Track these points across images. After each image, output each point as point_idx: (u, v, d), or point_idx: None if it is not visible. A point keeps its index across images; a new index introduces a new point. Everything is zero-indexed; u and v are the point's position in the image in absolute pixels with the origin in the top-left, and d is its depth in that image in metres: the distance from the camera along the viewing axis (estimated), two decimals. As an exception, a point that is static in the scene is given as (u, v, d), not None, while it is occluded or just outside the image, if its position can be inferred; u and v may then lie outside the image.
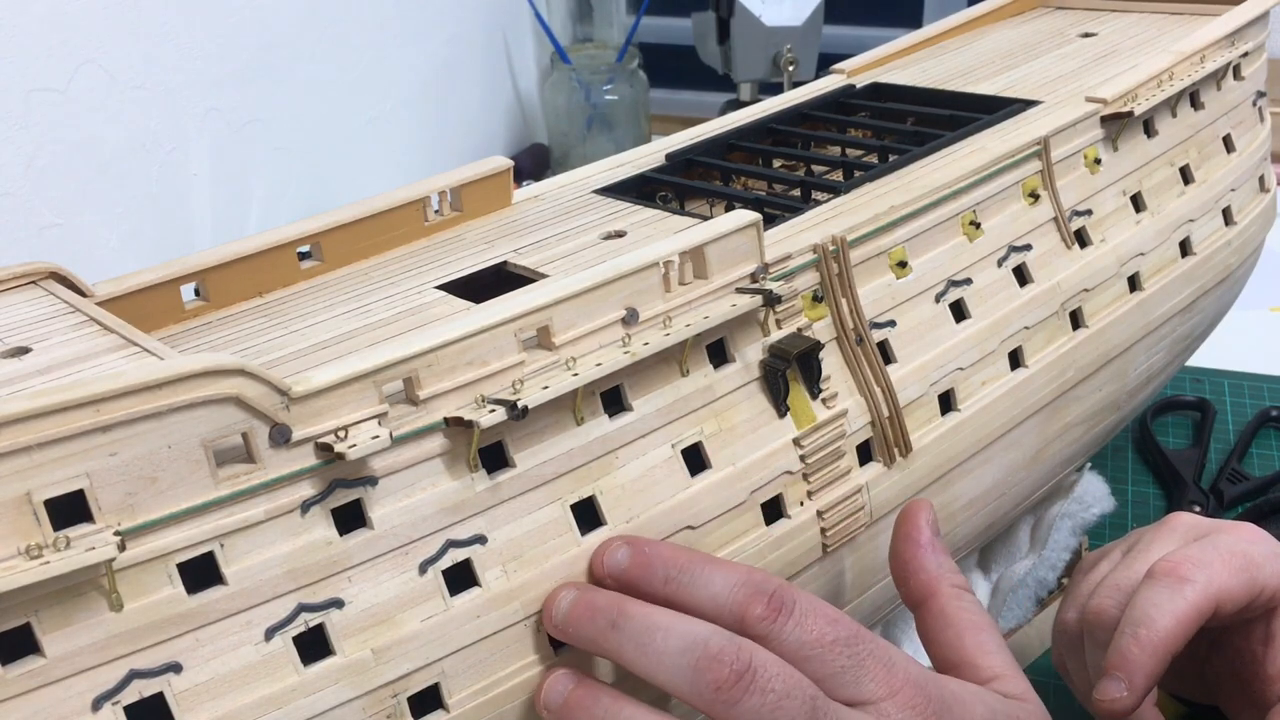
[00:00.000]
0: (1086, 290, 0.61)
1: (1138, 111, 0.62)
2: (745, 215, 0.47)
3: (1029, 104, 0.65)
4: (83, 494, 0.32)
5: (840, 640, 0.39)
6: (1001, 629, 0.63)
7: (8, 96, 0.75)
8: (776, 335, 0.48)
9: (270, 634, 0.36)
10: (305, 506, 0.37)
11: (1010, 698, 0.42)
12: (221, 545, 0.35)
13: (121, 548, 0.32)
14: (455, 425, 0.39)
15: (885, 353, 0.52)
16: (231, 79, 0.93)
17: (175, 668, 0.34)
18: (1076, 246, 0.61)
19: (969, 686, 0.42)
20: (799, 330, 0.49)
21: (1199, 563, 0.46)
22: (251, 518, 0.35)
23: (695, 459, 0.46)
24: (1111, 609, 0.48)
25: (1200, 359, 0.83)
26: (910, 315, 0.54)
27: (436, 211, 0.55)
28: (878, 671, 0.39)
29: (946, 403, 0.54)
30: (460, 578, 0.39)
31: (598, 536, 0.42)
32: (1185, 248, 0.68)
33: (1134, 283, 0.64)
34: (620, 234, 0.53)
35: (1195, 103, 0.70)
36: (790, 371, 0.48)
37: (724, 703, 0.37)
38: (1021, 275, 0.59)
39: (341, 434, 0.36)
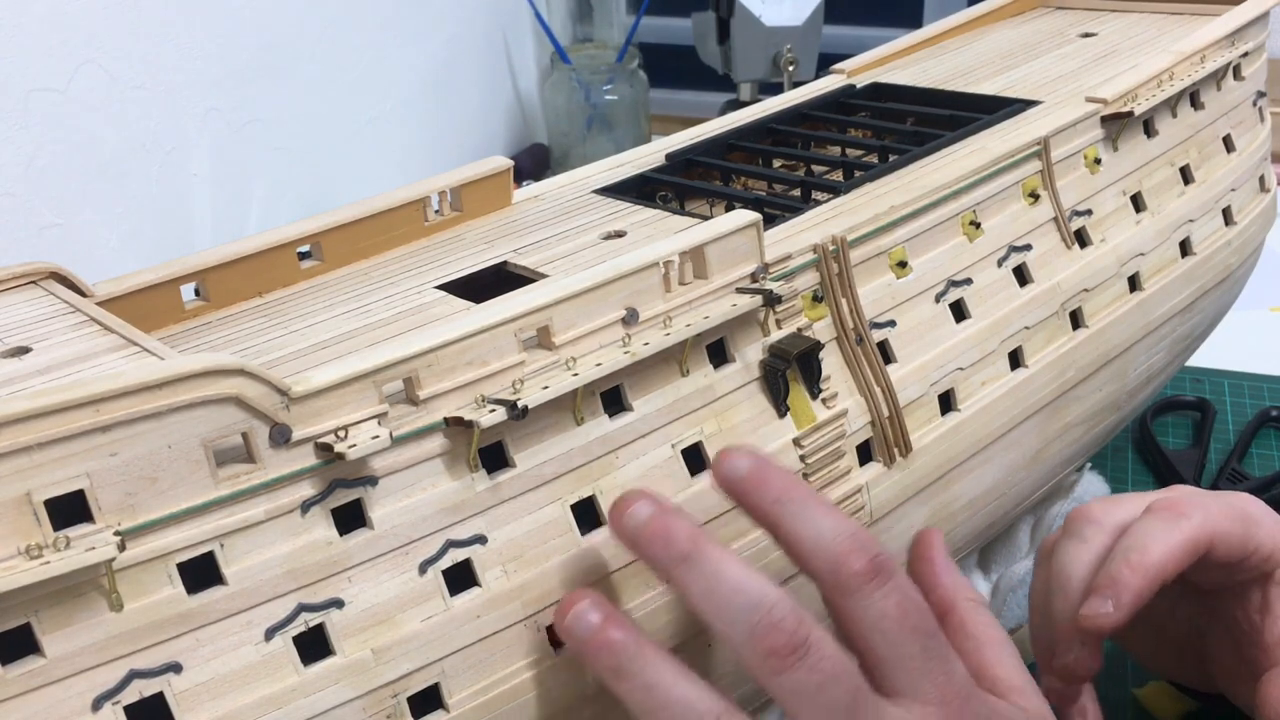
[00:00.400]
0: (1086, 290, 0.61)
1: (1138, 111, 0.62)
2: (745, 215, 0.47)
3: (1029, 104, 0.65)
4: (83, 494, 0.32)
5: (919, 630, 0.39)
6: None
7: (8, 96, 0.74)
8: (776, 335, 0.48)
9: (270, 634, 0.36)
10: (305, 506, 0.37)
11: (1030, 712, 0.43)
12: (221, 545, 0.35)
13: (121, 548, 0.32)
14: (455, 425, 0.39)
15: (885, 353, 0.52)
16: (231, 79, 0.93)
17: (175, 668, 0.34)
18: (1076, 246, 0.61)
19: (1007, 707, 0.42)
20: (799, 330, 0.49)
21: (1197, 504, 0.47)
22: (251, 518, 0.35)
23: (695, 459, 0.46)
24: (1098, 511, 0.49)
25: (1200, 359, 0.83)
26: (910, 315, 0.54)
27: (436, 211, 0.55)
28: (939, 675, 0.39)
29: (946, 403, 0.54)
30: (460, 578, 0.39)
31: (598, 536, 0.42)
32: (1185, 248, 0.68)
33: (1134, 283, 0.64)
34: (620, 234, 0.53)
35: (1195, 103, 0.70)
36: (790, 371, 0.48)
37: (771, 670, 0.37)
38: (1021, 275, 0.59)
39: (341, 434, 0.36)
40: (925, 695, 0.39)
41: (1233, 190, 0.72)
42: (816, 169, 0.64)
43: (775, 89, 1.14)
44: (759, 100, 0.80)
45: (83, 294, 0.45)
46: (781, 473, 0.41)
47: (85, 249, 0.81)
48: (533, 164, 1.32)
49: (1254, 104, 0.76)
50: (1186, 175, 0.69)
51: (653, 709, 0.37)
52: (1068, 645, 0.47)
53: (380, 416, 0.37)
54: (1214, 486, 0.78)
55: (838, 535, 0.39)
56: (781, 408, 0.48)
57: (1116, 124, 0.63)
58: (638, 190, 0.60)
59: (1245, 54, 0.72)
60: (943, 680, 0.39)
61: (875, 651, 0.39)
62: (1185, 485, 0.52)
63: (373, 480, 0.38)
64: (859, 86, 0.72)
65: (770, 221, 0.53)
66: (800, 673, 0.37)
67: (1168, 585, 0.47)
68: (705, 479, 0.45)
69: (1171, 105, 0.67)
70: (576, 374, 0.41)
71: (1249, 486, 0.78)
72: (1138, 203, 0.65)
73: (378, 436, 0.36)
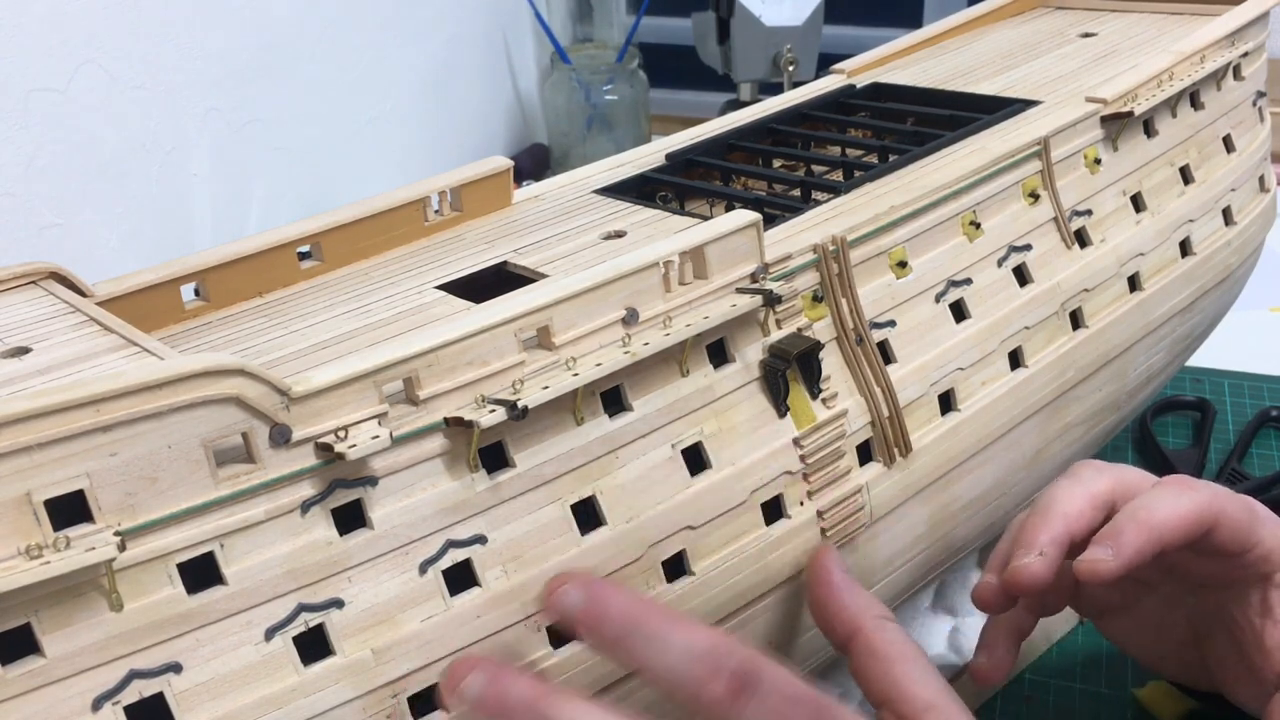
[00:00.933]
0: (1086, 290, 0.61)
1: (1138, 111, 0.62)
2: (745, 215, 0.47)
3: (1029, 104, 0.65)
4: (83, 494, 0.32)
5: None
6: (1001, 629, 0.63)
7: (8, 96, 0.75)
8: (776, 335, 0.48)
9: (270, 634, 0.36)
10: (305, 506, 0.37)
11: None
12: (221, 545, 0.35)
13: (121, 548, 0.32)
14: (455, 425, 0.39)
15: (885, 353, 0.52)
16: (231, 79, 0.93)
17: (175, 668, 0.34)
18: (1076, 246, 0.61)
19: None
20: (799, 330, 0.49)
21: (1207, 483, 0.48)
22: (252, 518, 0.35)
23: (695, 459, 0.46)
24: (1103, 463, 0.50)
25: (1200, 359, 0.83)
26: (910, 315, 0.54)
27: (436, 211, 0.55)
28: None
29: (946, 403, 0.54)
30: (460, 578, 0.39)
31: (598, 536, 0.42)
32: (1185, 248, 0.68)
33: (1134, 283, 0.64)
34: (620, 234, 0.53)
35: (1195, 103, 0.70)
36: (790, 371, 0.48)
37: None
38: (1021, 275, 0.59)
39: (341, 434, 0.36)
40: None
41: (1233, 190, 0.72)
42: (816, 169, 0.64)
43: (775, 89, 1.15)
44: (759, 100, 0.80)
45: (83, 294, 0.45)
46: (616, 599, 0.39)
47: (85, 249, 0.81)
48: (533, 164, 1.32)
49: (1254, 104, 0.76)
50: (1186, 175, 0.69)
51: None
52: (1025, 551, 0.46)
53: (380, 416, 0.37)
54: (1214, 486, 0.78)
55: (690, 661, 0.37)
56: (781, 408, 0.48)
57: (1116, 124, 0.63)
58: (638, 190, 0.60)
59: (1245, 54, 0.72)
60: None
61: None
62: (1185, 476, 0.52)
63: (373, 480, 0.38)
64: (859, 86, 0.72)
65: (770, 221, 0.53)
66: None
67: (1165, 558, 0.47)
68: (705, 479, 0.45)
69: (1171, 105, 0.67)
70: (576, 374, 0.41)
71: (1249, 486, 0.78)
72: (1138, 203, 0.65)
73: (378, 436, 0.36)
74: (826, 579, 0.46)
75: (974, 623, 0.64)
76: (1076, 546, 0.47)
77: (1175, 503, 0.46)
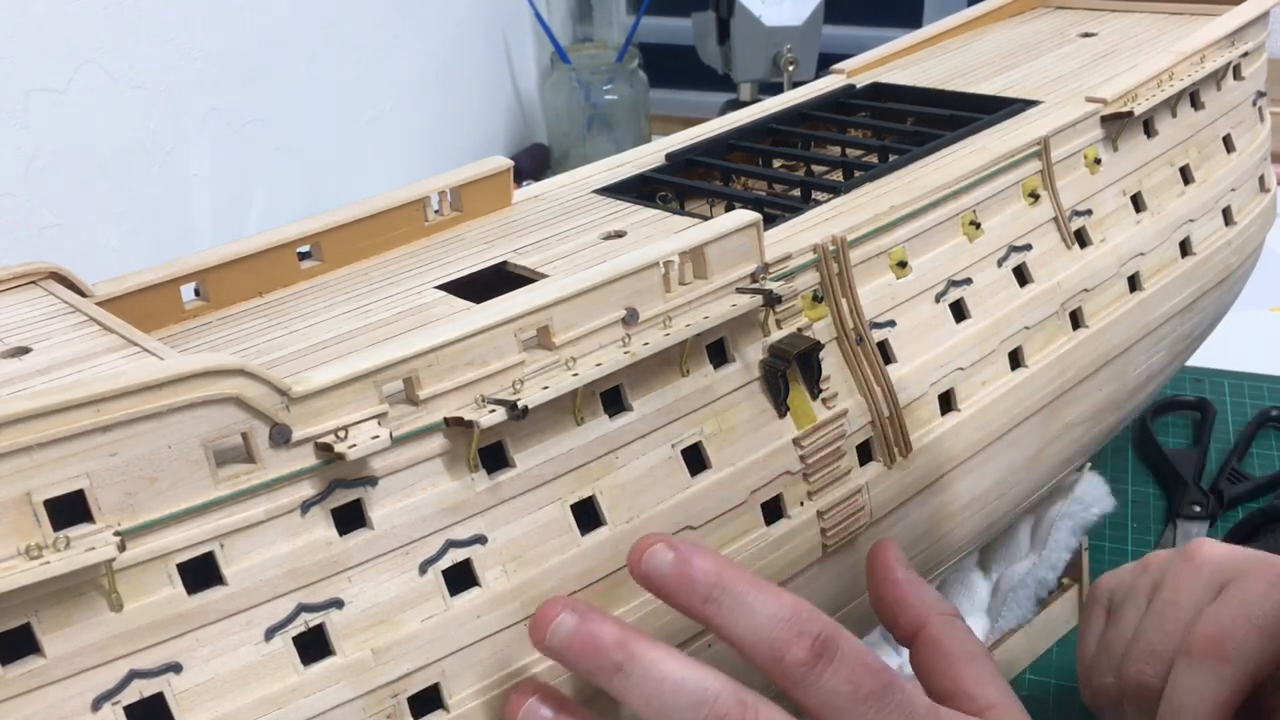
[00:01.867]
0: (1086, 290, 0.61)
1: (1138, 111, 0.62)
2: (745, 215, 0.47)
3: (1029, 104, 0.65)
4: (83, 494, 0.32)
5: (873, 694, 0.38)
6: (1001, 629, 0.63)
7: (8, 96, 0.75)
8: (776, 335, 0.48)
9: (270, 634, 0.36)
10: (305, 506, 0.37)
11: None
12: (221, 545, 0.35)
13: (121, 548, 0.32)
14: (455, 425, 0.39)
15: (885, 353, 0.52)
16: (231, 79, 0.93)
17: (175, 668, 0.34)
18: (1076, 246, 0.61)
19: None
20: (799, 330, 0.49)
21: (1236, 640, 0.44)
22: (251, 518, 0.35)
23: (695, 459, 0.46)
24: (1151, 676, 0.47)
25: (1200, 359, 0.83)
26: (910, 315, 0.54)
27: (436, 211, 0.55)
28: None
29: (946, 403, 0.54)
30: (460, 578, 0.39)
31: (598, 536, 0.42)
32: (1185, 248, 0.68)
33: (1134, 283, 0.64)
34: (620, 234, 0.53)
35: (1195, 103, 0.70)
36: (790, 371, 0.48)
37: None
38: (1021, 275, 0.59)
39: (341, 434, 0.36)
40: None
41: (1233, 190, 0.72)
42: (816, 169, 0.64)
43: (775, 89, 1.15)
44: (759, 100, 0.80)
45: (83, 294, 0.45)
46: (706, 562, 0.39)
47: (85, 249, 0.81)
48: (533, 164, 1.32)
49: (1254, 104, 0.76)
50: (1186, 175, 0.69)
51: (658, 696, 0.37)
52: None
53: (380, 416, 0.37)
54: (1214, 486, 0.79)
55: (774, 625, 0.38)
56: (781, 408, 0.48)
57: (1116, 124, 0.63)
58: (638, 190, 0.60)
59: (1245, 54, 0.72)
60: None
61: None
62: (1208, 547, 0.49)
63: (373, 480, 0.38)
64: (859, 86, 0.72)
65: (770, 221, 0.53)
66: None
67: None
68: (705, 479, 0.45)
69: (1171, 105, 0.67)
70: (576, 374, 0.41)
71: (1249, 487, 0.78)
72: (1138, 203, 0.65)
73: (378, 436, 0.36)
74: (891, 575, 0.46)
75: (974, 622, 0.64)
76: None
77: (1214, 694, 0.43)
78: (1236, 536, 0.62)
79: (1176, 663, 0.45)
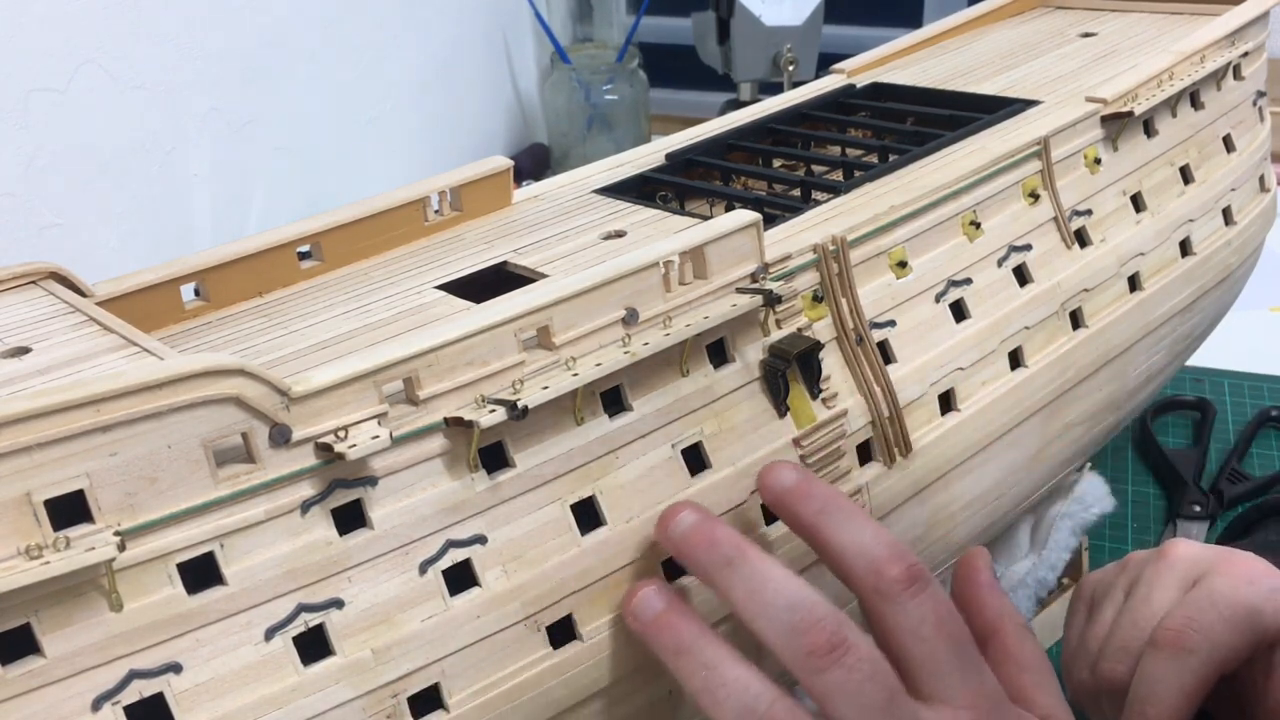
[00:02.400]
0: (1086, 290, 0.61)
1: (1138, 111, 0.62)
2: (745, 215, 0.47)
3: (1029, 104, 0.65)
4: (83, 494, 0.32)
5: (954, 637, 0.40)
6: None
7: (8, 96, 0.75)
8: (776, 335, 0.48)
9: (270, 634, 0.36)
10: (305, 506, 0.37)
11: None
12: (221, 545, 0.35)
13: (121, 548, 0.32)
14: (455, 425, 0.39)
15: (885, 353, 0.52)
16: (231, 79, 0.93)
17: (175, 668, 0.34)
18: (1076, 246, 0.61)
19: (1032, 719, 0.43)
20: (799, 330, 0.49)
21: (1201, 629, 0.45)
22: (251, 518, 0.35)
23: (695, 459, 0.46)
24: (1123, 673, 0.48)
25: (1200, 359, 0.83)
26: (910, 315, 0.54)
27: (436, 211, 0.55)
28: (972, 681, 0.40)
29: (946, 403, 0.54)
30: (460, 578, 0.39)
31: (598, 536, 0.42)
32: (1185, 248, 0.68)
33: (1134, 283, 0.64)
34: (620, 234, 0.53)
35: (1195, 103, 0.70)
36: (790, 371, 0.48)
37: (811, 668, 0.38)
38: (1021, 275, 0.59)
39: (341, 434, 0.36)
40: (957, 699, 0.40)
41: (1233, 190, 0.72)
42: (816, 169, 0.64)
43: (775, 89, 1.14)
44: (759, 100, 0.80)
45: (83, 294, 0.45)
46: (824, 486, 0.43)
47: (85, 249, 0.81)
48: (533, 164, 1.32)
49: (1254, 104, 0.76)
50: (1186, 175, 0.69)
51: (710, 687, 0.39)
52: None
53: (380, 416, 0.37)
54: (1214, 486, 0.79)
55: (878, 544, 0.41)
56: (781, 408, 0.48)
57: (1116, 124, 0.63)
58: (638, 190, 0.60)
59: (1245, 54, 0.72)
60: (974, 683, 0.40)
61: (911, 656, 0.40)
62: (1182, 547, 0.50)
63: (372, 480, 0.38)
64: (859, 86, 0.72)
65: (770, 221, 0.53)
66: (838, 672, 0.38)
67: None
68: (705, 479, 0.45)
69: (1171, 105, 0.67)
70: (576, 374, 0.41)
71: (1249, 487, 0.78)
72: (1138, 203, 0.65)
73: (378, 436, 0.36)
74: (978, 578, 0.48)
75: (974, 623, 0.64)
76: None
77: (1179, 682, 0.44)
78: (1232, 532, 0.62)
79: (1144, 655, 0.46)
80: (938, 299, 0.55)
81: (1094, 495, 0.69)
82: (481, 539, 0.40)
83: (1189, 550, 0.50)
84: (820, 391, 0.49)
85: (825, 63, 0.84)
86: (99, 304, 0.44)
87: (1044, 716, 0.44)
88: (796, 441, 0.48)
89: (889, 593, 0.40)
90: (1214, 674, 0.46)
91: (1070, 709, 0.45)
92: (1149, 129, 0.66)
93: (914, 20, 1.40)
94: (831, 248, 0.50)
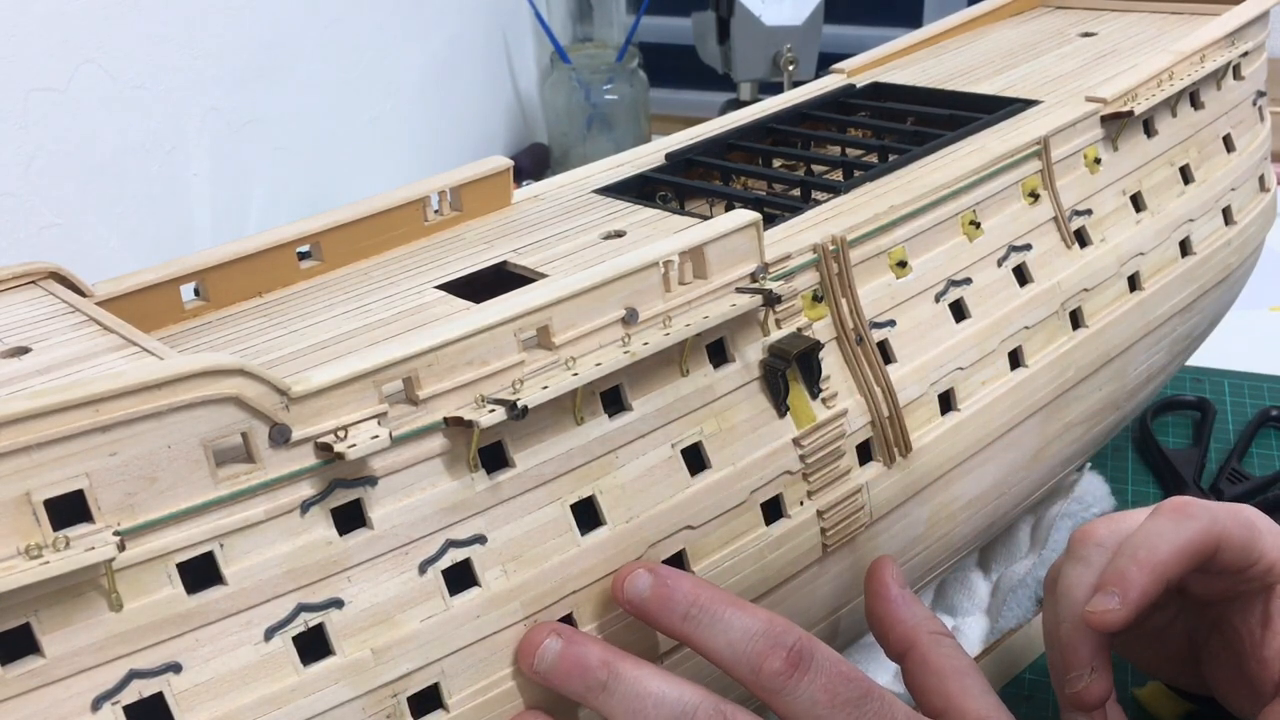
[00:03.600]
0: (1086, 290, 0.61)
1: (1138, 111, 0.62)
2: (745, 215, 0.47)
3: (1029, 104, 0.65)
4: (82, 494, 0.32)
5: (851, 701, 0.39)
6: (1001, 629, 0.63)
7: (8, 96, 0.75)
8: (776, 335, 0.48)
9: (270, 634, 0.36)
10: (305, 506, 0.37)
11: None
12: (221, 545, 0.35)
13: (121, 548, 0.32)
14: (455, 425, 0.39)
15: (885, 353, 0.52)
16: (231, 79, 0.93)
17: (175, 668, 0.34)
18: (1076, 246, 0.61)
19: None
20: (799, 330, 0.49)
21: (1204, 505, 0.47)
22: (251, 518, 0.35)
23: (695, 459, 0.46)
24: (1103, 531, 0.49)
25: (1200, 359, 0.83)
26: (910, 315, 0.54)
27: (436, 211, 0.55)
28: None
29: (946, 403, 0.54)
30: (460, 578, 0.39)
31: (598, 536, 0.42)
32: (1185, 247, 0.68)
33: (1134, 282, 0.64)
34: (620, 234, 0.53)
35: (1195, 102, 0.70)
36: (790, 371, 0.48)
37: None
38: (1021, 275, 0.59)
39: (341, 434, 0.36)
40: None
41: (1233, 190, 0.72)
42: (816, 169, 0.64)
43: (775, 89, 1.15)
44: (759, 100, 0.80)
45: (82, 294, 0.45)
46: (681, 582, 0.41)
47: (85, 249, 0.81)
48: (533, 164, 1.32)
49: (1254, 104, 0.76)
50: (1186, 175, 0.69)
51: (641, 710, 0.38)
52: (1079, 672, 0.47)
53: (380, 416, 0.37)
54: (1214, 486, 0.79)
55: (750, 639, 0.40)
56: (781, 408, 0.48)
57: (1116, 124, 0.63)
58: (638, 190, 0.60)
59: (1245, 53, 0.72)
60: None
61: None
62: (1184, 494, 0.51)
63: (372, 480, 0.38)
64: (859, 86, 0.72)
65: (770, 221, 0.53)
66: None
67: (1171, 589, 0.46)
68: (705, 479, 0.45)
69: (1171, 105, 0.67)
70: (576, 374, 0.41)
71: (1249, 486, 0.78)
72: (1138, 202, 0.65)
73: (378, 436, 0.36)
74: (884, 592, 0.47)
75: (974, 622, 0.64)
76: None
77: (1175, 535, 0.46)
78: None
79: (1143, 521, 0.47)
80: (938, 299, 0.55)
81: (1094, 495, 0.69)
82: (481, 539, 0.40)
83: (1190, 500, 0.50)
84: (820, 391, 0.49)
85: (825, 62, 0.84)
86: (99, 304, 0.44)
87: None
88: (796, 441, 0.48)
89: (773, 687, 0.39)
90: (1210, 543, 0.46)
91: (1004, 707, 0.44)
92: (1149, 129, 0.66)
93: (914, 20, 1.40)
94: (831, 247, 0.50)
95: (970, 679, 0.45)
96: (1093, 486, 0.70)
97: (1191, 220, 0.68)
